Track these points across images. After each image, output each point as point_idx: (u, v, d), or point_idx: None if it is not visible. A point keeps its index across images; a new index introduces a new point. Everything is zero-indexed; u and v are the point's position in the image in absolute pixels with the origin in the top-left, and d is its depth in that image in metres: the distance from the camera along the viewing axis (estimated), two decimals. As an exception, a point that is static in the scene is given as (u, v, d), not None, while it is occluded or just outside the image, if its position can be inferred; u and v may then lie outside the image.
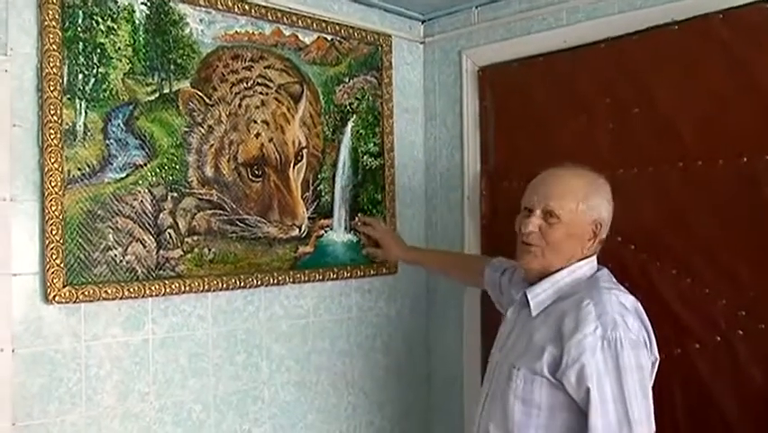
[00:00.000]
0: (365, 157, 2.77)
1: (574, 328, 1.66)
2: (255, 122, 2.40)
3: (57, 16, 1.97)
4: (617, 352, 1.62)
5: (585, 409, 1.63)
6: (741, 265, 2.12)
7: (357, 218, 2.69)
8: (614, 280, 1.84)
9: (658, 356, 1.79)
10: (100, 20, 2.07)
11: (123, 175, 2.11)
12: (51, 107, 1.96)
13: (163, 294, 2.18)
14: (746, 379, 2.10)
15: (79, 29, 2.03)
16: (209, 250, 2.30)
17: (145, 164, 2.16)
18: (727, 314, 2.14)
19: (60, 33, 1.98)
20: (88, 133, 2.04)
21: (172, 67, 2.22)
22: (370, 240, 2.71)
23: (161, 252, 2.19)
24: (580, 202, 1.79)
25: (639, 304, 1.76)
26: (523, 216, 1.86)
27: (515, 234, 1.89)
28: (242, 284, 2.36)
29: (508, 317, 1.92)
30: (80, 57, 2.03)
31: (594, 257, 1.87)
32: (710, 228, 2.18)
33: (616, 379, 1.62)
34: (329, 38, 2.66)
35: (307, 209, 2.56)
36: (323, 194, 2.62)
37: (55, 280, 1.96)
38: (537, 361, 1.70)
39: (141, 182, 2.15)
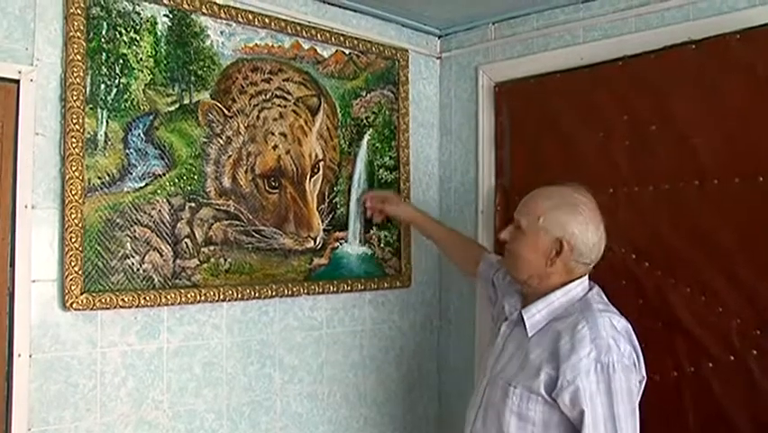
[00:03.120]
0: (381, 170, 2.79)
1: (570, 351, 1.68)
2: (273, 134, 2.43)
3: (82, 27, 2.01)
4: (610, 375, 1.66)
5: (578, 428, 1.67)
6: (756, 284, 2.11)
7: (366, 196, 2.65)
8: (605, 299, 1.86)
9: (645, 375, 1.79)
10: (123, 31, 2.10)
11: (142, 184, 2.14)
12: (74, 117, 1.99)
13: (179, 303, 2.20)
14: (760, 398, 2.09)
15: (103, 40, 2.06)
16: (225, 260, 2.31)
17: (164, 174, 2.18)
18: (742, 333, 2.13)
19: (85, 44, 2.01)
20: (109, 143, 2.07)
21: (192, 78, 2.25)
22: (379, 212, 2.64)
23: (178, 261, 2.21)
24: (541, 217, 1.81)
25: (630, 326, 1.78)
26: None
27: None
28: (257, 295, 2.38)
29: (502, 331, 1.92)
30: (103, 67, 2.06)
31: (585, 277, 1.86)
32: (726, 247, 2.18)
33: (608, 401, 1.65)
34: (347, 52, 2.68)
35: (323, 221, 2.58)
36: (338, 206, 2.64)
37: (73, 288, 1.99)
38: (534, 380, 1.73)
39: (159, 192, 2.17)
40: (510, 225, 1.91)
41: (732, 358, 2.15)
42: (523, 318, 1.83)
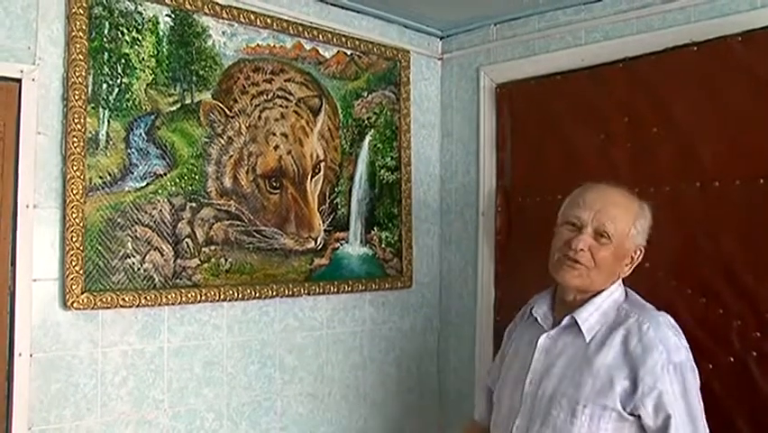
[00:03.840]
0: (382, 171, 2.79)
1: (643, 355, 1.62)
2: (274, 134, 2.43)
3: (84, 27, 2.01)
4: (684, 376, 1.62)
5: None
6: (756, 286, 2.11)
7: None
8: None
9: None
10: (125, 31, 2.11)
11: (144, 184, 2.14)
12: (76, 116, 2.00)
13: (179, 303, 2.20)
14: (760, 399, 2.09)
15: (105, 39, 2.06)
16: (226, 260, 2.32)
17: (165, 174, 2.18)
18: (742, 335, 2.13)
19: (87, 44, 2.02)
20: (111, 143, 2.07)
21: (194, 78, 2.25)
22: None
23: (179, 261, 2.21)
24: (632, 226, 1.74)
25: None
26: (568, 231, 1.75)
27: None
28: (258, 295, 2.38)
29: (541, 343, 1.77)
30: (105, 67, 2.06)
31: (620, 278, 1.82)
32: (726, 249, 2.18)
33: (685, 402, 1.62)
34: (349, 52, 2.69)
35: (324, 222, 2.58)
36: (339, 207, 2.64)
37: (74, 287, 1.99)
38: (608, 395, 1.62)
39: (160, 192, 2.17)
40: (583, 234, 1.72)
41: (732, 360, 2.15)
42: (577, 323, 1.72)
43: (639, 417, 1.61)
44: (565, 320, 1.74)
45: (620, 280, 1.80)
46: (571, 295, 1.77)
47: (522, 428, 1.74)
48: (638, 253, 1.77)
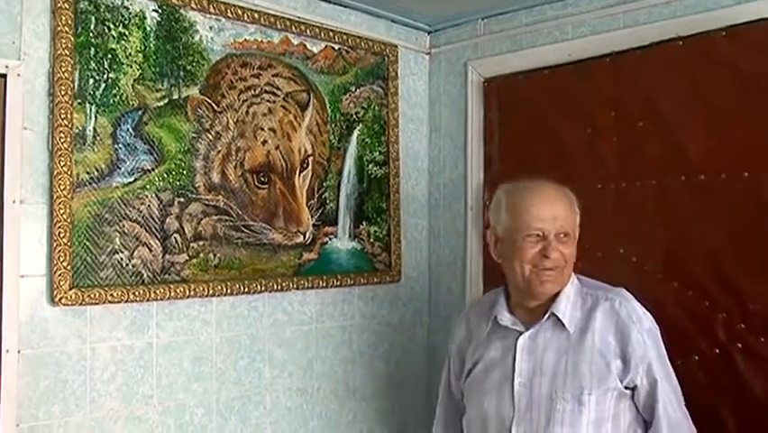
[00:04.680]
0: (370, 166, 2.80)
1: (625, 331, 1.71)
2: (262, 129, 2.43)
3: (70, 22, 2.00)
4: (657, 340, 1.74)
5: (645, 400, 1.72)
6: (742, 279, 2.13)
7: None
8: None
9: None
10: (112, 26, 2.10)
11: (131, 179, 2.13)
12: (62, 112, 1.99)
13: (168, 298, 2.20)
14: (745, 391, 2.11)
15: (91, 34, 2.06)
16: (214, 255, 2.32)
17: (153, 169, 2.18)
18: (727, 326, 2.15)
19: (73, 39, 2.01)
20: (98, 138, 2.07)
21: (182, 73, 2.25)
22: None
23: (167, 256, 2.21)
24: (576, 214, 1.80)
25: None
26: (532, 243, 1.73)
27: None
28: (247, 290, 2.38)
29: (521, 344, 1.77)
30: (92, 62, 2.06)
31: None
32: (712, 242, 2.20)
33: (663, 364, 1.74)
34: (336, 47, 2.68)
35: (312, 216, 2.58)
36: (328, 201, 2.64)
37: (62, 283, 1.99)
38: (608, 377, 1.69)
39: (148, 187, 2.17)
40: (551, 242, 1.72)
41: (717, 351, 2.17)
42: (559, 319, 1.74)
43: (634, 388, 1.71)
44: (545, 317, 1.76)
45: None
46: (542, 299, 1.78)
47: (519, 424, 1.72)
48: (577, 230, 1.82)
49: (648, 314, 1.76)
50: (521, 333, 1.78)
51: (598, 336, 1.72)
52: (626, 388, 1.70)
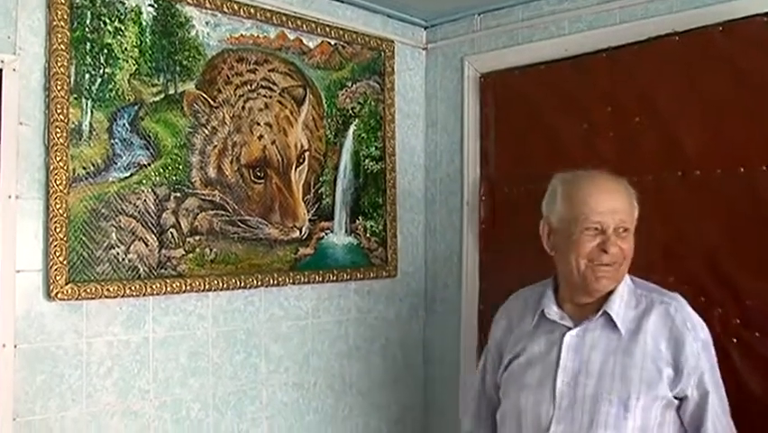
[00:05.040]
0: (366, 161, 2.80)
1: (680, 339, 1.64)
2: (258, 124, 2.43)
3: (65, 17, 2.00)
4: (710, 351, 1.68)
5: (693, 412, 1.65)
6: (737, 274, 2.14)
7: None
8: None
9: None
10: (108, 21, 2.09)
11: (128, 174, 2.13)
12: (58, 106, 1.98)
13: (164, 293, 2.20)
14: (740, 386, 2.11)
15: (87, 29, 2.05)
16: (211, 250, 2.32)
17: (149, 164, 2.18)
18: (723, 322, 2.15)
19: (69, 34, 2.01)
20: (94, 133, 2.07)
21: (178, 68, 2.24)
22: None
23: (163, 251, 2.21)
24: (635, 207, 1.73)
25: None
26: (590, 237, 1.67)
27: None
28: (243, 284, 2.38)
29: (568, 341, 1.70)
30: (87, 57, 2.05)
31: None
32: (708, 237, 2.21)
33: (715, 377, 1.67)
34: (333, 42, 2.68)
35: (308, 212, 2.58)
36: (324, 197, 2.64)
37: (58, 278, 1.98)
38: (658, 385, 1.62)
39: (144, 182, 2.17)
40: (610, 236, 1.66)
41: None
42: (611, 319, 1.68)
43: (682, 398, 1.64)
44: (597, 315, 1.69)
45: None
46: (595, 296, 1.72)
47: (558, 425, 1.66)
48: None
49: (702, 323, 1.69)
50: (568, 329, 1.72)
51: (650, 340, 1.65)
52: (675, 397, 1.63)
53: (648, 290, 1.74)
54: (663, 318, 1.67)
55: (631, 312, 1.69)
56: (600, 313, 1.69)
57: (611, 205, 1.67)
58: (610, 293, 1.70)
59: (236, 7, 2.38)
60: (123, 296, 2.11)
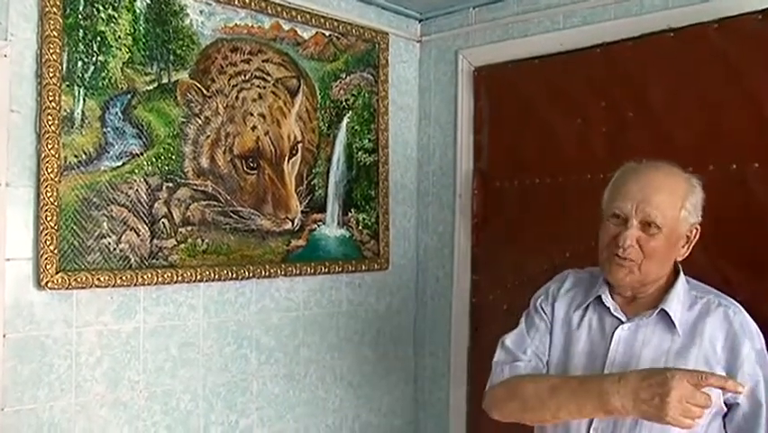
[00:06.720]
0: (359, 153, 2.79)
1: (737, 344, 1.56)
2: (252, 114, 2.41)
3: (58, 3, 1.98)
4: (766, 361, 1.58)
5: (739, 420, 1.57)
6: (729, 270, 2.14)
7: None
8: None
9: None
10: (101, 8, 2.07)
11: (120, 163, 2.12)
12: (50, 94, 1.97)
13: (155, 283, 2.19)
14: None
15: (80, 16, 2.03)
16: (202, 240, 2.31)
17: (141, 153, 2.17)
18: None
19: (61, 20, 1.99)
20: (86, 121, 2.05)
21: (171, 57, 2.23)
22: None
23: (155, 241, 2.20)
24: (682, 208, 1.60)
25: None
26: (614, 226, 1.62)
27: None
28: (234, 276, 2.37)
29: (620, 334, 1.64)
30: (80, 44, 2.03)
31: None
32: (700, 233, 2.21)
33: None
34: (327, 34, 2.67)
35: (301, 203, 2.58)
36: (316, 188, 2.64)
37: (48, 267, 1.97)
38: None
39: (136, 171, 2.15)
40: (629, 228, 1.58)
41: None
42: (669, 317, 1.60)
43: (731, 406, 1.57)
44: (653, 312, 1.62)
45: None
46: (629, 290, 1.67)
47: (605, 430, 1.59)
48: (694, 232, 1.66)
49: (760, 331, 1.60)
50: (621, 322, 1.65)
51: (707, 342, 1.58)
52: (724, 404, 1.56)
53: (704, 291, 1.67)
54: (722, 321, 1.59)
55: (687, 313, 1.62)
56: (657, 310, 1.62)
57: (640, 195, 1.58)
58: (666, 292, 1.63)
59: (231, -4, 2.36)
60: (113, 286, 2.10)
